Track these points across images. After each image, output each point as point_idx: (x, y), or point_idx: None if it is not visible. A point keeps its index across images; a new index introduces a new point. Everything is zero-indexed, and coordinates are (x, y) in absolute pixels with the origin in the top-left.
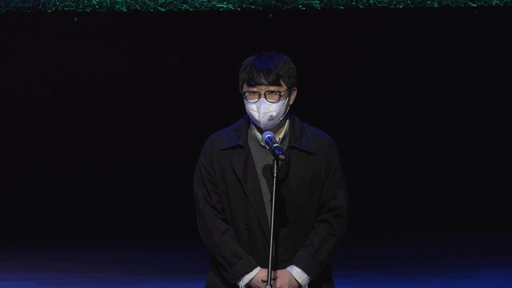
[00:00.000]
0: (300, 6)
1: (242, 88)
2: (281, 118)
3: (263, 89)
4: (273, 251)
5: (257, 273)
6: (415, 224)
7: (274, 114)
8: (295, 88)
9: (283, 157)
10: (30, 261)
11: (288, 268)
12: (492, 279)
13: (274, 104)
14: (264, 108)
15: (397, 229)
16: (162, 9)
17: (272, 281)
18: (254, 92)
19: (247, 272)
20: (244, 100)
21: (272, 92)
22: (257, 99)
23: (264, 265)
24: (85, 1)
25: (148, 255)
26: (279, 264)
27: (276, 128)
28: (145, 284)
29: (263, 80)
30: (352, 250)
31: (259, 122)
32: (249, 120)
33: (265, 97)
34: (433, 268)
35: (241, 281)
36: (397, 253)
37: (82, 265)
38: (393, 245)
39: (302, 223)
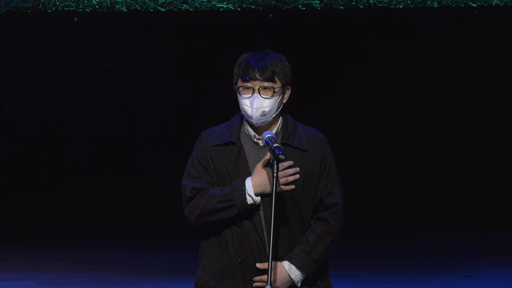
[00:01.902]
0: (300, 6)
1: (236, 84)
2: (273, 115)
3: (257, 84)
4: (269, 247)
5: (250, 178)
6: (415, 224)
7: (266, 110)
8: (289, 87)
9: (283, 157)
10: (30, 261)
11: (282, 263)
12: (492, 279)
13: (267, 100)
14: (257, 103)
15: (397, 229)
16: (162, 9)
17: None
18: (248, 87)
19: (243, 184)
20: (238, 95)
21: (266, 88)
22: (250, 94)
23: (256, 261)
24: (85, 1)
25: (148, 255)
26: (272, 261)
27: (268, 126)
28: (145, 284)
29: (257, 76)
30: (352, 250)
31: (251, 117)
32: (242, 118)
33: (259, 93)
34: (433, 268)
35: (248, 195)
36: (397, 253)
37: (82, 265)
38: (393, 245)
39: (297, 220)
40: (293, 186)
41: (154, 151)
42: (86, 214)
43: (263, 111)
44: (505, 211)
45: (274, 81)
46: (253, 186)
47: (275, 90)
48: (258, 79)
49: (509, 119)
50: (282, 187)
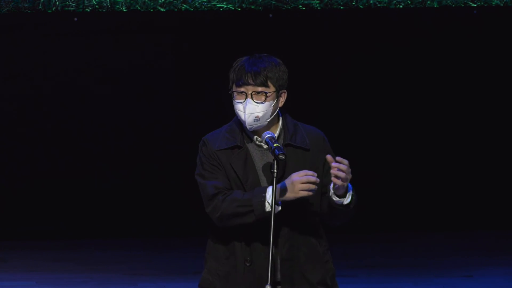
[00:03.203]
0: (300, 6)
1: (231, 88)
2: (268, 120)
3: (250, 89)
4: (273, 249)
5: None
6: (415, 224)
7: (260, 115)
8: (285, 91)
9: (283, 157)
10: (30, 261)
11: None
12: (492, 279)
13: (260, 105)
14: (250, 108)
15: (397, 229)
16: (162, 9)
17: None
18: (241, 92)
19: (264, 191)
20: (233, 100)
21: (258, 93)
22: (244, 99)
23: (263, 262)
24: (85, 1)
25: (148, 255)
26: (279, 262)
27: (268, 128)
28: (145, 284)
29: (250, 81)
30: (351, 250)
31: (244, 122)
32: None
33: (252, 98)
34: (433, 268)
35: (267, 202)
36: (397, 253)
37: (82, 265)
38: (393, 245)
39: (302, 220)
40: (311, 193)
41: (154, 152)
42: (86, 214)
43: (257, 116)
44: (505, 211)
45: (267, 86)
46: (272, 194)
47: (268, 95)
48: (251, 84)
49: (509, 119)
50: (302, 192)
